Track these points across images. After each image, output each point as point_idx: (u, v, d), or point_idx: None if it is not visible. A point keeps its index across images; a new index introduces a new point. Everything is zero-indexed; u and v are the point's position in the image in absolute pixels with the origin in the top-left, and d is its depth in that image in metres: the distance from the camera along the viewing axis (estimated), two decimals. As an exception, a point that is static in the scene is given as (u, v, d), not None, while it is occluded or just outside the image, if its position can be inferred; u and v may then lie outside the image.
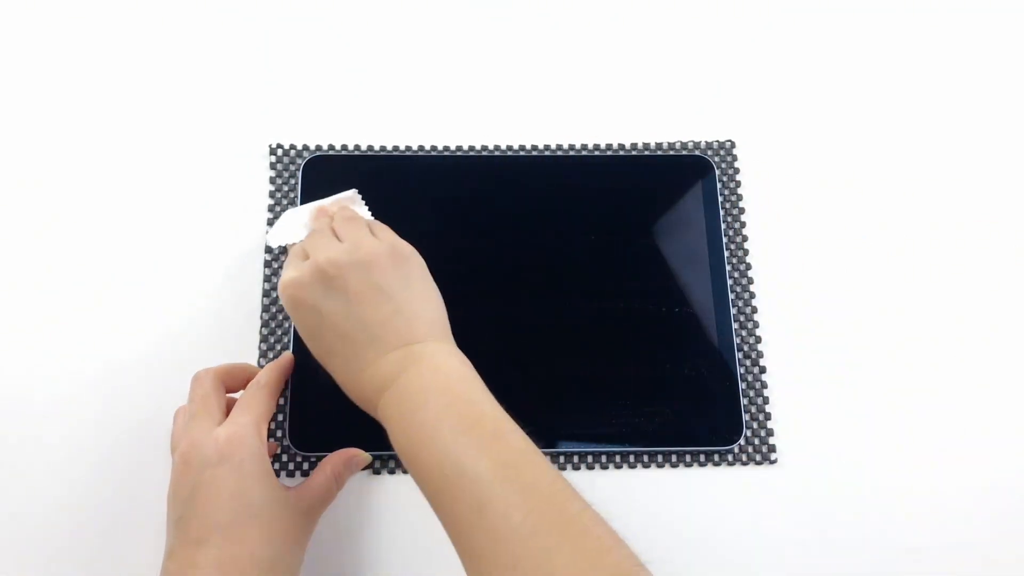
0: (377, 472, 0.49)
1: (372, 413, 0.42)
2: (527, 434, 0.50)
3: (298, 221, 0.50)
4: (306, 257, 0.44)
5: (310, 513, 0.43)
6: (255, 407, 0.43)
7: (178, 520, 0.40)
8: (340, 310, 0.42)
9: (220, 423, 0.42)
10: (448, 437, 0.37)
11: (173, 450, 0.43)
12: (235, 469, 0.40)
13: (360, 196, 0.51)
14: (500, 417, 0.39)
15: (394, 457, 0.49)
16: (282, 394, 0.50)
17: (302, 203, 0.54)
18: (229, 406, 0.44)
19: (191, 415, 0.43)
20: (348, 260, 0.43)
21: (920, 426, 0.51)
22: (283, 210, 0.54)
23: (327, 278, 0.42)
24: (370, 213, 0.51)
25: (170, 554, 0.40)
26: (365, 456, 0.48)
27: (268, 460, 0.42)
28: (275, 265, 0.53)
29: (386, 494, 0.49)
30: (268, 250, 0.54)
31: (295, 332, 0.51)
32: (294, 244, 0.48)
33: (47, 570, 0.47)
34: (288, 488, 0.43)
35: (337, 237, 0.45)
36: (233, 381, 0.46)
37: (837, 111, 0.60)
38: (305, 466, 0.49)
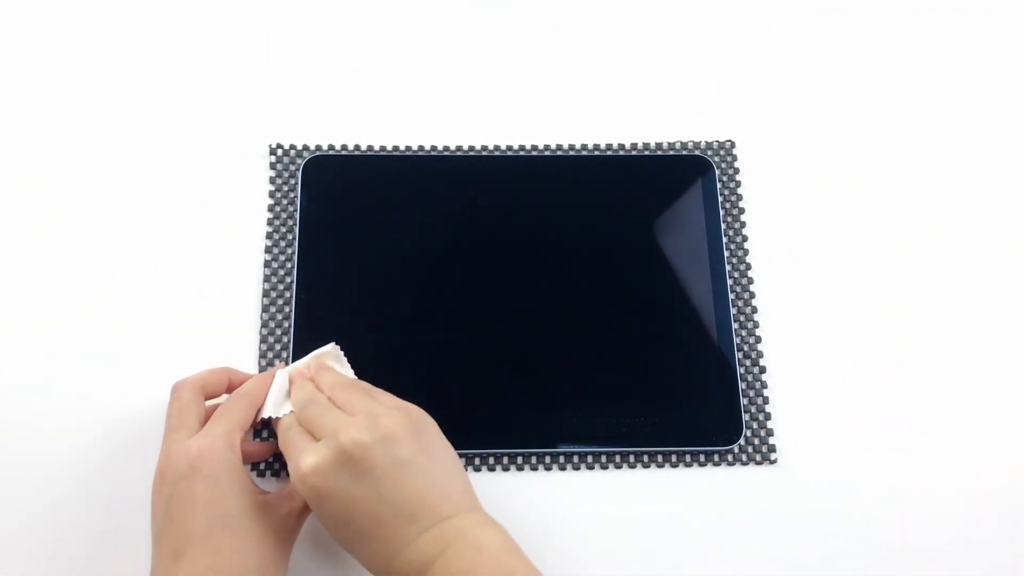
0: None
1: None
2: (526, 434, 0.50)
3: (281, 389, 0.46)
4: (313, 436, 0.41)
5: (293, 518, 0.43)
6: (231, 417, 0.43)
7: (157, 534, 0.40)
8: (370, 494, 0.39)
9: (197, 433, 0.42)
10: None
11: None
12: (207, 480, 0.40)
13: (341, 351, 0.48)
14: None
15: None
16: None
17: (300, 213, 0.54)
18: (210, 413, 0.44)
19: (167, 428, 0.43)
20: (371, 439, 0.39)
21: (920, 426, 0.51)
22: (283, 210, 0.54)
23: (353, 461, 0.39)
24: (352, 369, 0.48)
25: (153, 570, 0.40)
26: None
27: (243, 469, 0.42)
28: (274, 264, 0.53)
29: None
30: (268, 250, 0.53)
31: (295, 334, 0.51)
32: (283, 417, 0.45)
33: (46, 570, 0.47)
34: (267, 494, 0.43)
35: (338, 407, 0.43)
36: (214, 388, 0.46)
37: (837, 111, 0.60)
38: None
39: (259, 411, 0.46)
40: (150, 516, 0.42)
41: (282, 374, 0.47)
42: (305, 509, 0.44)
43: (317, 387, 0.45)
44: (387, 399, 0.44)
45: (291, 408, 0.45)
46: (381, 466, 0.39)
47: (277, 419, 0.45)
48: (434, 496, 0.40)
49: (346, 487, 0.39)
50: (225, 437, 0.42)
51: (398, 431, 0.40)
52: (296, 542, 0.44)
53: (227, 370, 0.47)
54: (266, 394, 0.47)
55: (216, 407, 0.45)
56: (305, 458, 0.40)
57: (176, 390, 0.45)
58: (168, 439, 0.42)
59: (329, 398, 0.44)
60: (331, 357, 0.48)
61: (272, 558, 0.41)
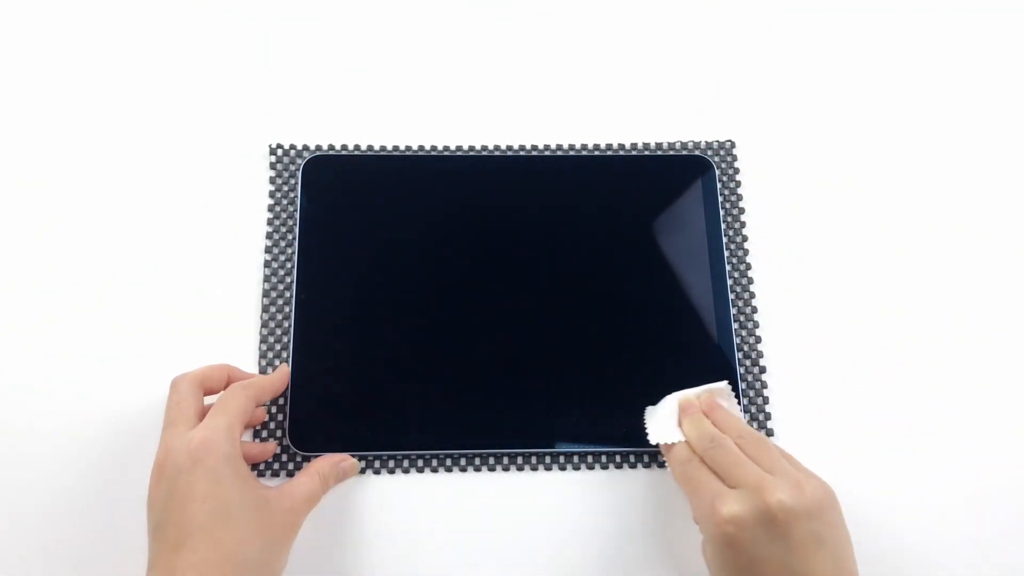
0: (377, 472, 0.49)
1: None
2: (526, 434, 0.50)
3: (670, 416, 0.47)
4: (720, 478, 0.42)
5: (293, 513, 0.43)
6: (230, 409, 0.43)
7: (156, 527, 0.40)
8: (780, 559, 0.39)
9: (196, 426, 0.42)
10: None
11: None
12: (208, 472, 0.40)
13: (731, 391, 0.47)
14: None
15: (393, 457, 0.49)
16: (282, 395, 0.50)
17: (300, 213, 0.54)
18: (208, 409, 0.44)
19: (166, 422, 0.43)
20: (797, 505, 0.39)
21: (920, 426, 0.51)
22: (283, 210, 0.54)
23: (774, 524, 0.39)
24: (741, 411, 0.48)
25: (151, 563, 0.40)
26: (355, 463, 0.48)
27: (243, 461, 0.42)
28: (274, 264, 0.53)
29: (377, 494, 0.49)
30: (268, 250, 0.53)
31: (295, 334, 0.51)
32: (674, 446, 0.45)
33: (46, 570, 0.47)
34: (269, 488, 0.43)
35: (749, 457, 0.43)
36: (213, 383, 0.46)
37: (837, 111, 0.60)
38: (304, 465, 0.49)
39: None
40: (147, 509, 0.42)
41: (672, 399, 0.47)
42: (305, 506, 0.44)
43: (716, 426, 0.45)
44: (797, 464, 0.44)
45: (682, 437, 0.45)
46: (799, 536, 0.39)
47: (668, 445, 0.45)
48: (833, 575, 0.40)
49: (760, 546, 0.39)
50: (225, 430, 0.42)
51: (820, 504, 0.40)
52: (296, 538, 0.44)
53: (226, 367, 0.47)
54: (267, 391, 0.47)
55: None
56: (726, 504, 0.40)
57: (175, 384, 0.45)
58: (166, 432, 0.43)
59: (738, 445, 0.43)
60: (723, 395, 0.47)
61: (272, 552, 0.41)
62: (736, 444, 0.43)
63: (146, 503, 0.42)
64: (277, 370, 0.49)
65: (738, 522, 0.40)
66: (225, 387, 0.47)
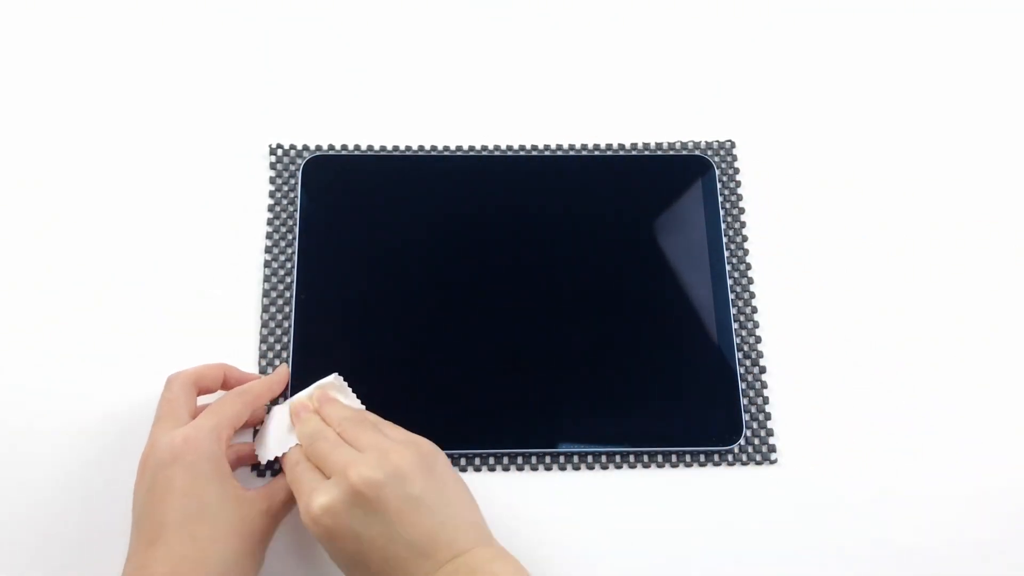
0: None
1: None
2: (526, 434, 0.50)
3: (283, 424, 0.46)
4: (323, 472, 0.41)
5: (271, 514, 0.43)
6: (221, 412, 0.43)
7: (136, 521, 0.41)
8: (383, 532, 0.39)
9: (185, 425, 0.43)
10: None
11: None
12: (187, 468, 0.40)
13: (344, 381, 0.47)
14: None
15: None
16: (282, 394, 0.50)
17: (300, 213, 0.54)
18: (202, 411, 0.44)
19: (156, 418, 0.43)
20: (383, 476, 0.39)
21: (920, 426, 0.51)
22: (283, 210, 0.54)
23: (365, 500, 0.39)
24: (358, 399, 0.47)
25: (128, 556, 0.40)
26: None
27: (225, 462, 0.42)
28: (274, 264, 0.53)
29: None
30: (268, 250, 0.53)
31: (295, 334, 0.51)
32: (288, 453, 0.44)
33: (45, 568, 0.47)
34: (247, 490, 0.43)
35: (347, 442, 0.42)
36: (208, 383, 0.46)
37: (837, 111, 0.60)
38: (305, 466, 0.49)
39: (260, 441, 0.46)
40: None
41: (281, 409, 0.47)
42: (283, 509, 0.44)
43: (324, 420, 0.44)
44: (396, 432, 0.44)
45: (296, 442, 0.44)
46: (394, 506, 0.39)
47: (283, 456, 0.44)
48: (447, 531, 0.39)
49: (359, 526, 0.39)
50: (212, 431, 0.42)
51: (409, 467, 0.40)
52: (273, 541, 0.44)
53: (223, 366, 0.48)
54: (264, 395, 0.47)
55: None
56: (316, 498, 0.39)
57: (169, 382, 0.45)
58: (154, 428, 0.43)
59: (338, 433, 0.43)
60: (335, 388, 0.47)
61: (247, 552, 0.41)
62: (337, 433, 0.43)
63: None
64: (276, 371, 0.49)
65: (332, 512, 0.39)
66: (222, 386, 0.47)
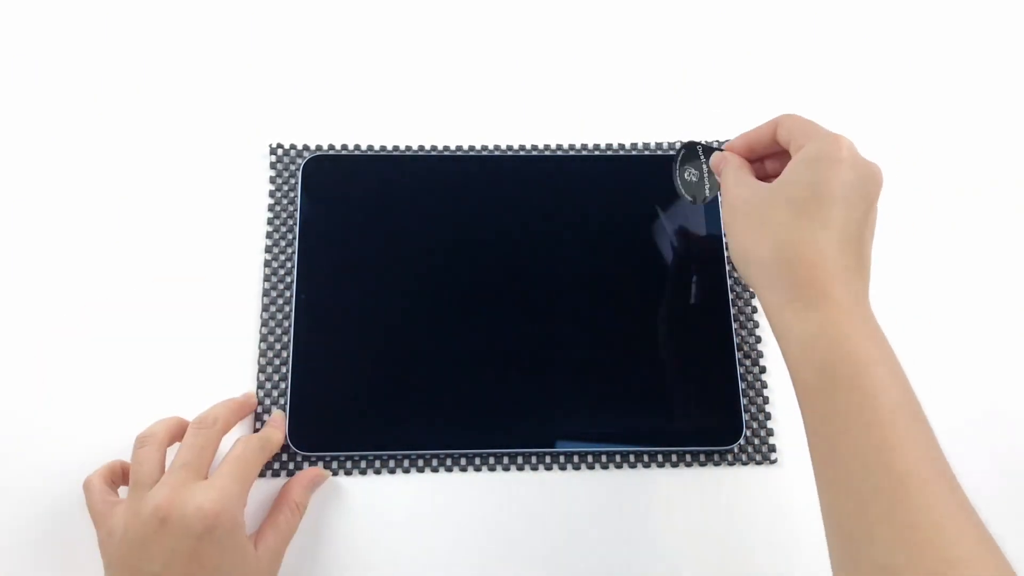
0: (377, 472, 0.49)
1: None
2: (526, 434, 0.50)
3: None
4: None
5: (277, 553, 0.44)
6: (246, 474, 0.43)
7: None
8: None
9: (203, 476, 0.42)
10: None
11: (98, 517, 0.43)
12: (215, 543, 0.40)
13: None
14: None
15: (393, 457, 0.49)
16: (282, 395, 0.50)
17: (300, 213, 0.54)
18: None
19: (180, 464, 0.42)
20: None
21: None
22: (283, 210, 0.55)
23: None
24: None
25: None
26: (324, 473, 0.49)
27: (244, 528, 0.42)
28: (274, 264, 0.53)
29: (376, 494, 0.49)
30: (268, 250, 0.54)
31: (295, 334, 0.51)
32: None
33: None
34: (254, 540, 0.43)
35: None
36: (175, 438, 0.46)
37: (837, 111, 0.60)
38: (305, 466, 0.49)
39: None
40: (112, 540, 0.41)
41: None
42: (286, 543, 0.45)
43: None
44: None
45: None
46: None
47: None
48: None
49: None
50: (237, 498, 0.42)
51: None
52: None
53: (180, 420, 0.47)
54: (275, 440, 0.48)
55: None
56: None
57: (158, 438, 0.45)
58: (173, 478, 0.42)
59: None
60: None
61: None
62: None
63: (114, 536, 0.41)
64: (272, 417, 0.49)
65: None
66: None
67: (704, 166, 0.49)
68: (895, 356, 0.37)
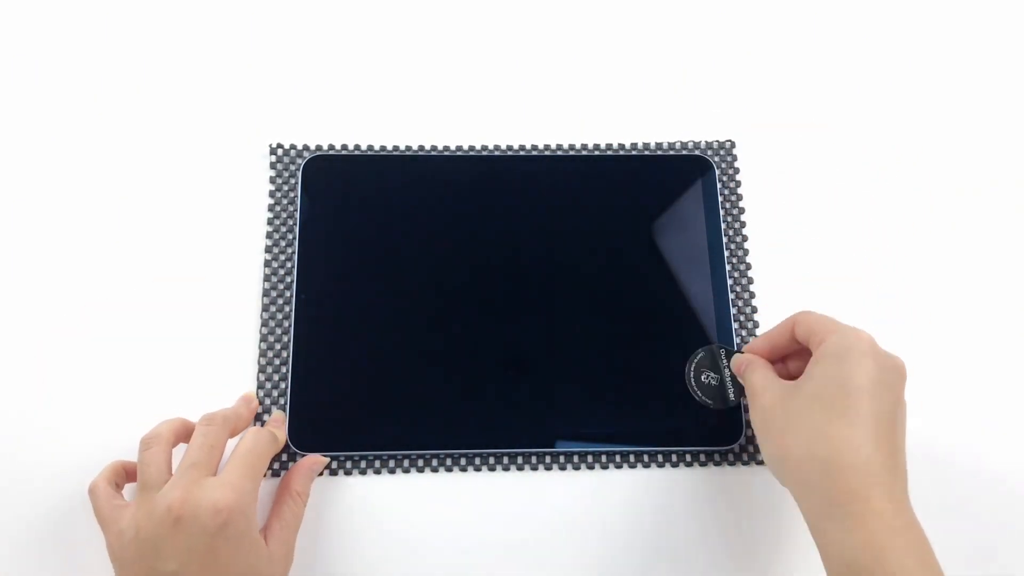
0: (377, 472, 0.49)
1: None
2: (526, 434, 0.50)
3: None
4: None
5: (289, 545, 0.44)
6: (256, 470, 0.43)
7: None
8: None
9: (213, 474, 0.42)
10: None
11: (106, 520, 0.42)
12: (228, 540, 0.40)
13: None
14: None
15: (393, 457, 0.49)
16: (282, 394, 0.50)
17: (300, 213, 0.54)
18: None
19: (190, 463, 0.42)
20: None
21: (919, 426, 0.51)
22: (283, 210, 0.55)
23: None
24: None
25: None
26: (323, 460, 0.49)
27: (256, 522, 0.42)
28: (274, 264, 0.53)
29: (376, 494, 0.49)
30: (268, 250, 0.54)
31: (295, 334, 0.51)
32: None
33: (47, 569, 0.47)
34: (264, 535, 0.43)
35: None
36: (184, 437, 0.46)
37: (837, 111, 0.60)
38: (305, 466, 0.49)
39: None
40: (124, 538, 0.41)
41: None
42: (295, 533, 0.45)
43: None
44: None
45: None
46: None
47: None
48: None
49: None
50: (251, 494, 0.42)
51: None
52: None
53: (184, 421, 0.47)
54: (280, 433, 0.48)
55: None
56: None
57: (163, 438, 0.44)
58: (184, 477, 0.41)
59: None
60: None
61: None
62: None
63: (126, 534, 0.41)
64: (273, 417, 0.50)
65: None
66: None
67: (726, 370, 0.49)
68: (936, 563, 0.38)
